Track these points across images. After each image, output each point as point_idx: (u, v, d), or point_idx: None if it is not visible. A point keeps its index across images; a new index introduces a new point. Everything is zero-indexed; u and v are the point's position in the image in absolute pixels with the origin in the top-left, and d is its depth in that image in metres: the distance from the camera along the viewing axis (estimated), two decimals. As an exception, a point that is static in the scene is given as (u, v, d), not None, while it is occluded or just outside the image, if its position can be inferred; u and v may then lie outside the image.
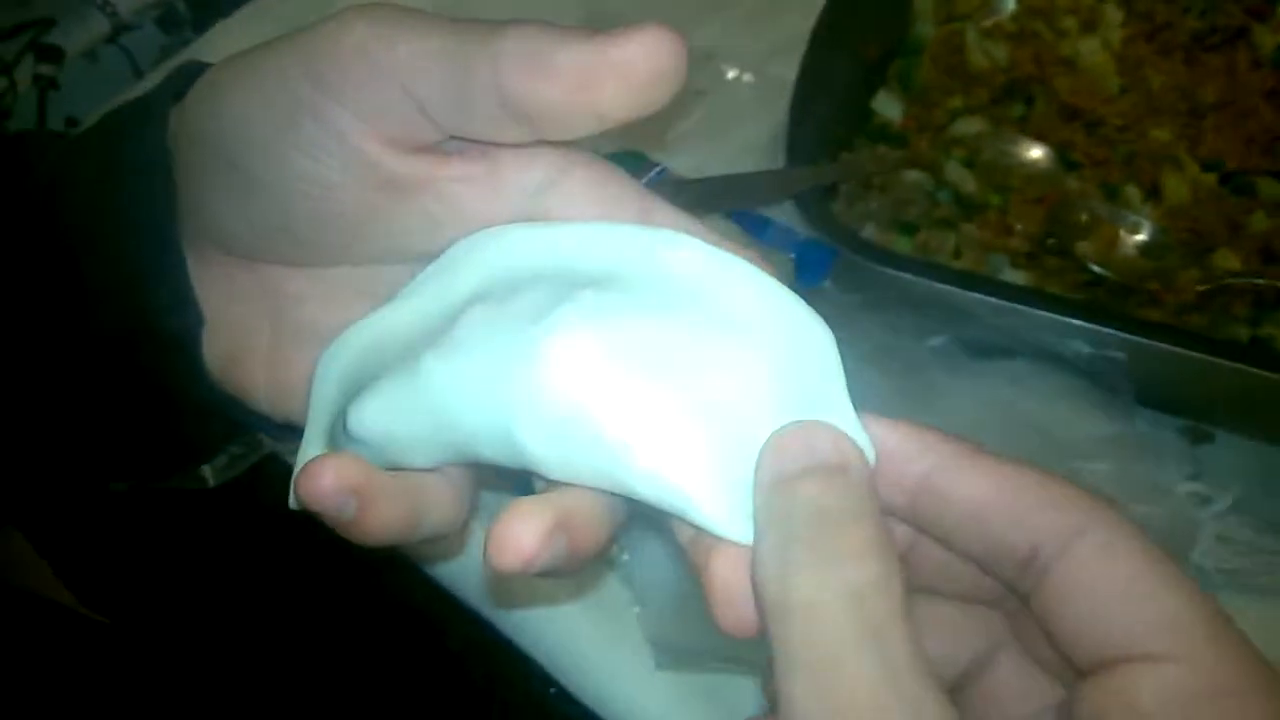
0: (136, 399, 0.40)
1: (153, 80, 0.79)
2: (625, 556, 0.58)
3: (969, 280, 0.60)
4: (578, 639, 0.59)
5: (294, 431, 0.36)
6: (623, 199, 0.33)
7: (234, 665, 0.78)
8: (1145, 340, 0.57)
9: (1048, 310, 0.58)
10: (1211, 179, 0.71)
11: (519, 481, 0.34)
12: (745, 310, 0.31)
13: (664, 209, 0.34)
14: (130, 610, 0.82)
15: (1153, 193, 0.70)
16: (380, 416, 0.33)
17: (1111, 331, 0.57)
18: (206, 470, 0.72)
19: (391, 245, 0.35)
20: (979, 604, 0.31)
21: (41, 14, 0.87)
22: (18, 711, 0.69)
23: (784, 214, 0.67)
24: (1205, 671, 0.24)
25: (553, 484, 0.32)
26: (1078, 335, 0.58)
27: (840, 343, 0.31)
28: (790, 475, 0.28)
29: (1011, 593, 0.29)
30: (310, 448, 0.35)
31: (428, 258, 0.35)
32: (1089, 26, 0.77)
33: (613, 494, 0.32)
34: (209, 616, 0.80)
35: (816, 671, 0.24)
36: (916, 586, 0.31)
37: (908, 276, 0.60)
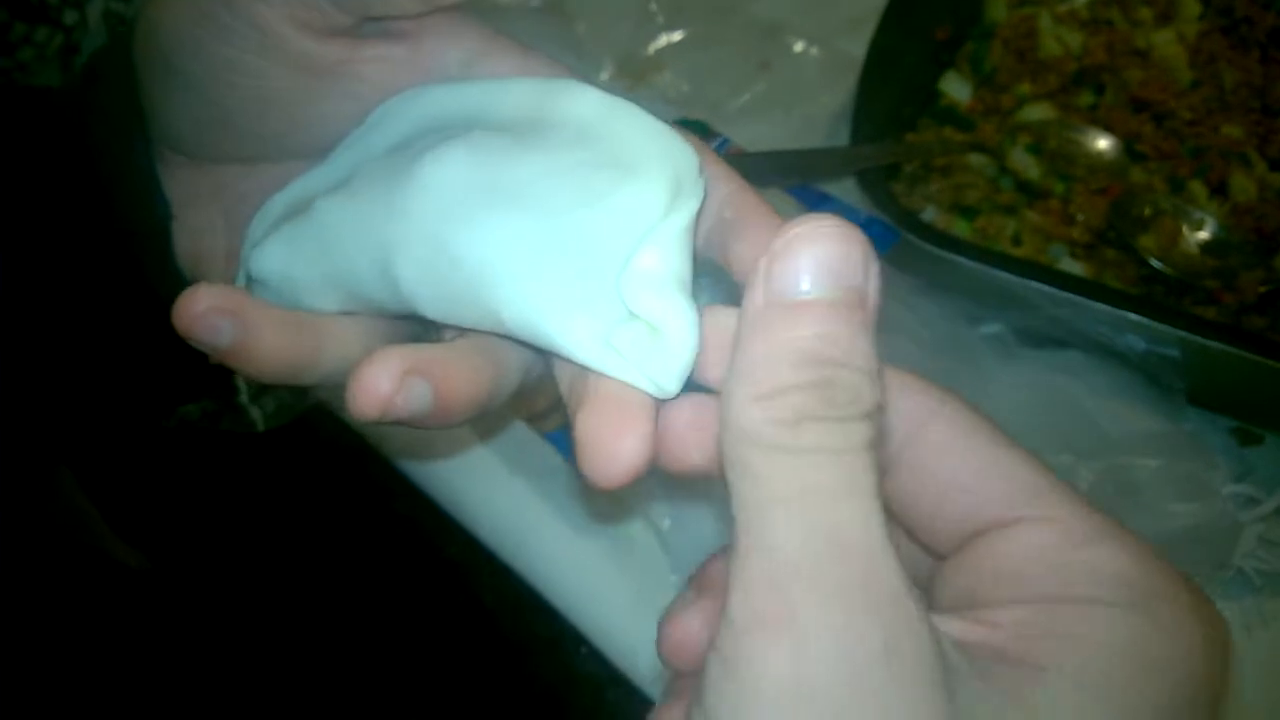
0: (129, 305, 0.42)
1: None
2: (666, 523, 0.58)
3: (1026, 269, 0.60)
4: (611, 603, 0.60)
5: None
6: (542, 73, 0.35)
7: (265, 611, 0.79)
8: (1201, 339, 0.57)
9: (1104, 303, 0.58)
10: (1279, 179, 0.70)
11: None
12: (632, 151, 0.31)
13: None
14: (169, 549, 0.84)
15: (1219, 190, 0.70)
16: (276, 256, 0.34)
17: (1167, 328, 0.57)
18: (256, 414, 0.73)
19: (327, 132, 0.36)
20: None
21: (117, -50, 0.88)
22: (54, 651, 0.71)
23: (845, 192, 0.67)
24: (1065, 527, 0.25)
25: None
26: (1133, 330, 0.58)
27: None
28: (780, 305, 0.25)
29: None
30: None
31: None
32: (1165, 18, 0.76)
33: (500, 347, 0.32)
34: (249, 560, 0.82)
35: (827, 522, 0.23)
36: None
37: (966, 262, 0.60)
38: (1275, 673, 0.59)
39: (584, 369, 0.30)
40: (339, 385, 0.33)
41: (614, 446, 0.28)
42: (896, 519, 0.28)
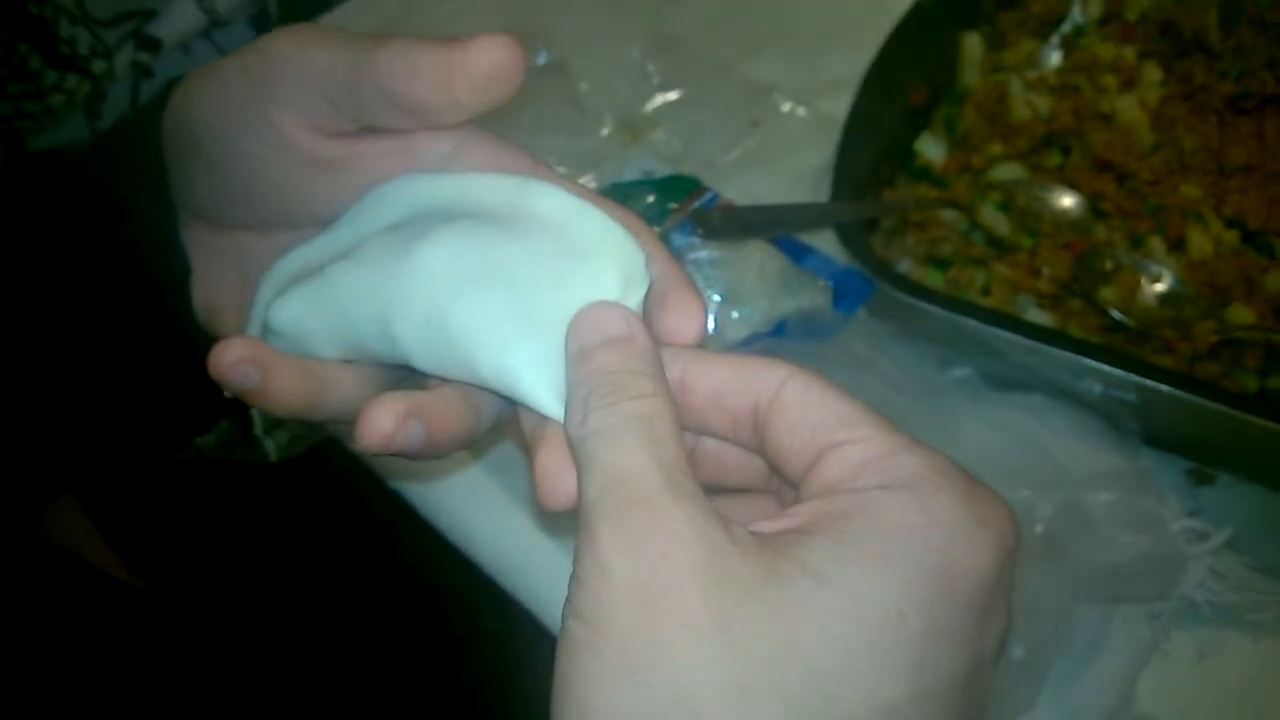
0: (151, 349, 0.49)
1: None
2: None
3: (993, 317, 0.64)
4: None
5: None
6: (517, 165, 0.41)
7: (264, 639, 0.82)
8: (1154, 384, 0.61)
9: (1065, 350, 0.62)
10: (1234, 236, 0.74)
11: None
12: (590, 243, 0.38)
13: (548, 171, 0.41)
14: (173, 577, 0.87)
15: (1176, 246, 0.74)
16: (291, 310, 0.41)
17: (1122, 374, 0.61)
18: (269, 446, 0.77)
19: (330, 208, 0.42)
20: (753, 492, 0.39)
21: (145, 5, 0.93)
22: (49, 667, 0.73)
23: (825, 244, 0.72)
24: (872, 445, 0.32)
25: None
26: (1091, 375, 0.62)
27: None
28: (589, 347, 0.35)
29: (759, 453, 0.36)
30: None
31: None
32: (1128, 84, 0.81)
33: (477, 395, 0.39)
34: (253, 588, 0.84)
35: (608, 471, 0.32)
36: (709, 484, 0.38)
37: (937, 310, 0.64)
38: (1225, 697, 0.62)
39: (543, 417, 0.37)
40: (342, 421, 0.41)
41: (564, 478, 0.35)
42: (777, 471, 0.36)
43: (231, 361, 0.39)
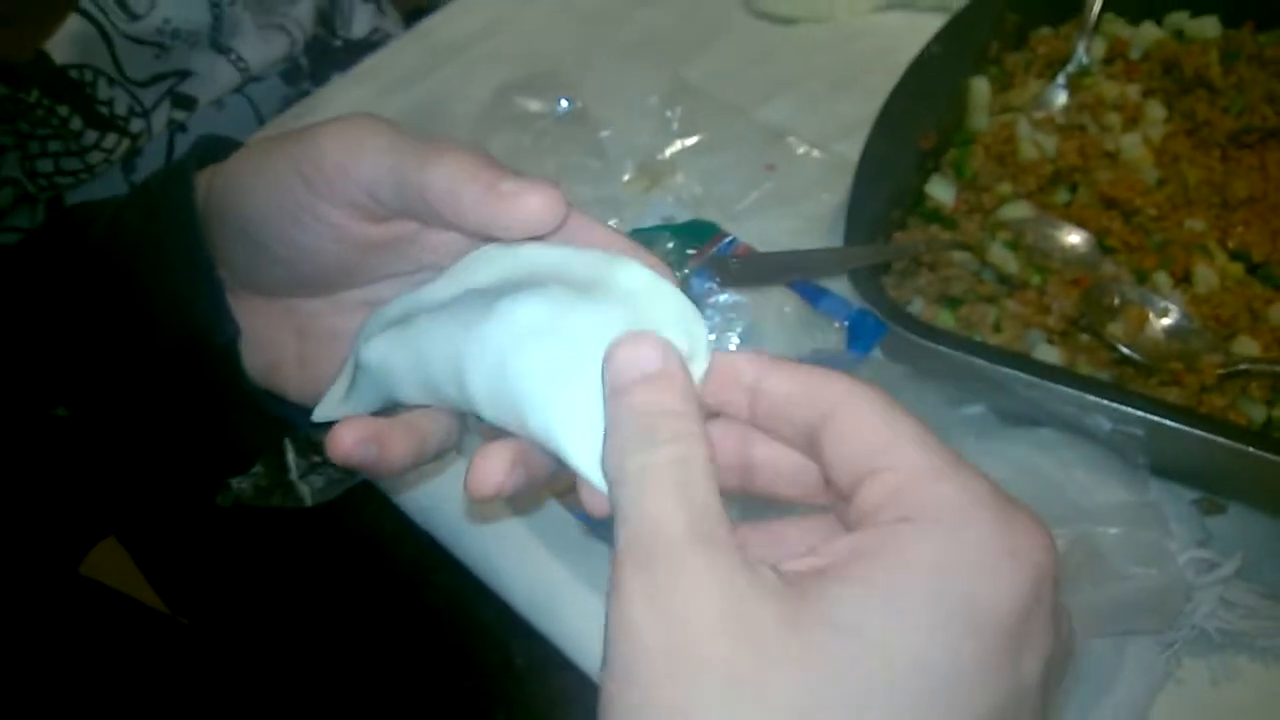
0: (198, 405, 0.53)
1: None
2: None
3: (1003, 357, 0.66)
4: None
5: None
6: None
7: (301, 674, 0.84)
8: (1160, 419, 0.62)
9: (1073, 387, 0.64)
10: (1239, 269, 0.76)
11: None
12: (661, 319, 0.39)
13: (636, 248, 0.44)
14: (213, 616, 0.89)
15: (1182, 280, 0.76)
16: (379, 352, 0.44)
17: (1129, 409, 0.63)
18: (305, 491, 0.80)
19: (377, 274, 0.47)
20: (813, 514, 0.40)
21: (180, 65, 0.96)
22: (94, 698, 0.75)
23: (840, 286, 0.74)
24: (905, 473, 0.33)
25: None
26: (1099, 411, 0.64)
27: None
28: (625, 385, 0.36)
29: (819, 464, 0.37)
30: (339, 382, 0.48)
31: (405, 275, 0.48)
32: (1133, 122, 0.83)
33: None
34: (289, 626, 0.87)
35: (636, 520, 0.33)
36: (765, 495, 0.41)
37: (948, 351, 0.66)
38: (1239, 721, 0.64)
39: None
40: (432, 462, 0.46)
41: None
42: (829, 478, 0.36)
43: (354, 442, 0.43)
